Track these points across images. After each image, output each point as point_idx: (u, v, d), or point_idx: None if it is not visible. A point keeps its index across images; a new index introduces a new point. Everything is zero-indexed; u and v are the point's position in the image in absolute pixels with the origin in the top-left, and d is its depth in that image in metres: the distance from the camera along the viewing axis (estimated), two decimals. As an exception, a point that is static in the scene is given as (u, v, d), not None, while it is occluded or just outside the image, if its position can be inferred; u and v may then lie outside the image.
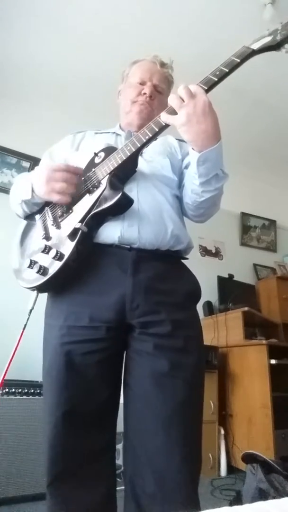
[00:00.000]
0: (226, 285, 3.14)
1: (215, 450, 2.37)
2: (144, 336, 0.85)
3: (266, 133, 3.25)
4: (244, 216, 3.74)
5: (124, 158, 0.87)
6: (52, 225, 0.91)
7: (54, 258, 0.83)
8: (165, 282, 0.89)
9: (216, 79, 0.82)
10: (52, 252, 0.84)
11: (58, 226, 0.90)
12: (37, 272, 0.84)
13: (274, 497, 1.43)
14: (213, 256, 3.42)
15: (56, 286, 0.88)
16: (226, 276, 3.21)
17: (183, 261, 1.00)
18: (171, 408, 0.79)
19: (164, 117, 0.83)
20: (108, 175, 0.88)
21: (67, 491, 0.80)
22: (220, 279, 3.13)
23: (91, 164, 0.95)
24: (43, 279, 0.84)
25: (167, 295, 0.88)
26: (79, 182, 0.93)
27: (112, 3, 2.19)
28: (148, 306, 0.85)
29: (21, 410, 1.79)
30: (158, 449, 0.78)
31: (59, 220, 0.91)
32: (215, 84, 0.82)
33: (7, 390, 1.81)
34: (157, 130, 0.85)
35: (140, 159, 0.93)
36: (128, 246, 0.88)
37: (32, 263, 0.86)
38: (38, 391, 1.85)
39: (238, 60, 0.83)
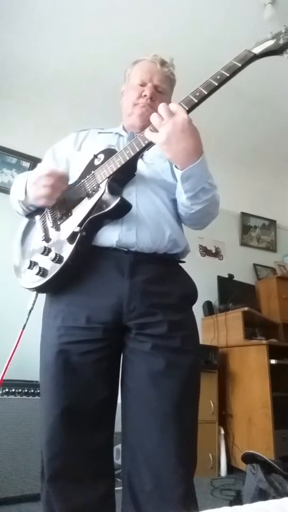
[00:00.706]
0: (226, 285, 3.14)
1: (215, 450, 2.37)
2: (141, 337, 0.85)
3: (266, 133, 3.25)
4: (244, 216, 3.74)
5: (123, 162, 0.87)
6: (52, 227, 0.92)
7: (53, 260, 0.84)
8: (162, 285, 0.90)
9: (216, 84, 0.82)
10: (52, 254, 0.84)
11: (57, 229, 0.90)
12: (37, 273, 0.85)
13: (274, 497, 1.43)
14: (213, 256, 3.42)
15: (55, 287, 0.89)
16: (226, 276, 3.21)
17: (180, 264, 1.00)
18: (168, 407, 0.80)
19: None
20: (107, 179, 0.88)
21: (65, 488, 0.81)
22: (220, 279, 3.13)
23: (91, 166, 0.95)
24: (43, 280, 0.85)
25: (163, 297, 0.88)
26: (73, 186, 0.94)
27: (113, 3, 2.19)
28: (145, 308, 0.85)
29: (21, 410, 1.80)
30: (155, 448, 0.78)
31: (59, 223, 0.91)
32: (216, 88, 0.82)
33: (7, 390, 1.81)
34: None
35: (140, 161, 0.93)
36: (126, 249, 0.89)
37: (32, 264, 0.87)
38: (38, 391, 1.85)
39: (239, 65, 0.83)
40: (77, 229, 0.84)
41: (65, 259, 0.83)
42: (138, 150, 0.86)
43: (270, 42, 0.84)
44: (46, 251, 0.86)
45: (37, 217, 0.98)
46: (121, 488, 0.85)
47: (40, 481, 0.86)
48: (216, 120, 2.87)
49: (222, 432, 2.45)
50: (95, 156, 0.95)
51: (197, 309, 0.92)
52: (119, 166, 0.87)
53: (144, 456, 0.79)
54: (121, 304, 0.85)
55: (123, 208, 0.86)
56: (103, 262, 0.88)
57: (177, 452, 0.78)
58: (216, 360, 2.53)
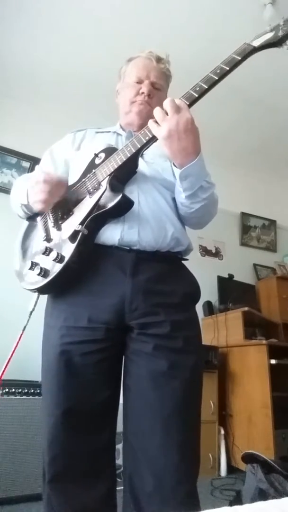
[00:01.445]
0: (226, 285, 3.14)
1: (215, 450, 2.37)
2: (143, 337, 0.85)
3: (266, 133, 3.25)
4: (244, 216, 3.74)
5: (124, 159, 0.87)
6: (53, 227, 0.91)
7: (55, 260, 0.83)
8: (164, 283, 0.89)
9: (216, 78, 0.82)
10: (53, 254, 0.84)
11: (59, 228, 0.90)
12: (38, 274, 0.85)
13: (274, 497, 1.43)
14: (213, 256, 3.42)
15: (57, 287, 0.88)
16: (226, 276, 3.21)
17: (183, 261, 0.99)
18: (170, 408, 0.80)
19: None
20: (108, 177, 0.88)
21: (67, 489, 0.81)
22: (220, 279, 3.13)
23: (92, 165, 0.95)
24: (44, 281, 0.84)
25: (166, 296, 0.88)
26: (73, 185, 0.94)
27: (112, 3, 2.19)
28: (147, 308, 0.85)
29: (21, 410, 1.79)
30: (156, 449, 0.78)
31: (60, 222, 0.91)
32: (216, 82, 0.82)
33: (7, 390, 1.81)
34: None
35: (141, 160, 0.93)
36: (128, 248, 0.88)
37: (33, 265, 0.86)
38: (38, 391, 1.85)
39: (239, 58, 0.83)
40: (79, 227, 0.83)
41: (66, 259, 0.82)
42: (139, 146, 0.85)
43: (269, 35, 0.84)
44: (47, 251, 0.86)
45: (38, 218, 0.97)
46: (122, 488, 0.85)
47: (41, 482, 0.86)
48: (216, 120, 2.87)
49: (222, 432, 2.45)
50: (96, 155, 0.95)
51: (197, 309, 0.92)
52: (120, 163, 0.87)
53: (145, 456, 0.79)
54: (123, 303, 0.84)
55: (125, 206, 0.86)
56: (105, 260, 0.87)
57: (179, 453, 0.77)
58: (216, 360, 2.53)
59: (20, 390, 1.84)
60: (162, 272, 0.90)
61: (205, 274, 2.89)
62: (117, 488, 0.87)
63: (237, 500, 1.75)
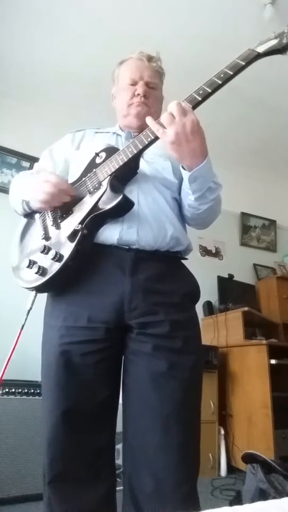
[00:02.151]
0: (226, 285, 3.14)
1: (215, 450, 2.37)
2: (142, 337, 0.85)
3: (266, 133, 3.25)
4: (244, 216, 3.74)
5: (126, 160, 0.87)
6: (52, 225, 0.91)
7: (53, 259, 0.83)
8: (164, 283, 0.89)
9: (220, 82, 0.82)
10: (51, 253, 0.83)
11: (58, 227, 0.89)
12: (36, 272, 0.84)
13: (274, 497, 1.43)
14: (213, 256, 3.42)
15: (55, 287, 0.88)
16: (226, 276, 3.21)
17: (182, 261, 0.99)
18: (169, 408, 0.80)
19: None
20: (109, 177, 0.88)
21: (67, 490, 0.81)
22: (220, 279, 3.13)
23: (92, 164, 0.94)
24: (42, 280, 0.84)
25: (165, 295, 0.88)
26: (74, 184, 0.94)
27: (113, 3, 2.18)
28: (147, 307, 0.85)
29: (21, 410, 1.79)
30: (156, 449, 0.78)
31: (59, 221, 0.90)
32: (219, 86, 0.82)
33: (7, 390, 1.81)
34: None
35: (141, 160, 0.93)
36: (127, 247, 0.88)
37: (31, 263, 0.86)
38: (38, 391, 1.85)
39: (243, 63, 0.83)
40: (78, 227, 0.83)
41: (65, 258, 0.82)
42: (141, 147, 0.85)
43: (274, 41, 0.85)
44: (45, 250, 0.85)
45: (37, 216, 0.97)
46: (121, 488, 0.85)
47: (42, 482, 0.86)
48: (216, 120, 2.86)
49: (222, 432, 2.45)
50: (97, 154, 0.94)
51: (197, 309, 0.92)
52: (121, 163, 0.87)
53: (145, 457, 0.79)
54: (123, 302, 0.84)
55: (125, 206, 0.86)
56: (104, 260, 0.87)
57: (179, 453, 0.77)
58: (216, 360, 2.53)
59: (20, 390, 1.84)
60: (162, 272, 0.90)
61: (205, 274, 2.89)
62: (117, 488, 0.87)
63: (237, 500, 1.75)
